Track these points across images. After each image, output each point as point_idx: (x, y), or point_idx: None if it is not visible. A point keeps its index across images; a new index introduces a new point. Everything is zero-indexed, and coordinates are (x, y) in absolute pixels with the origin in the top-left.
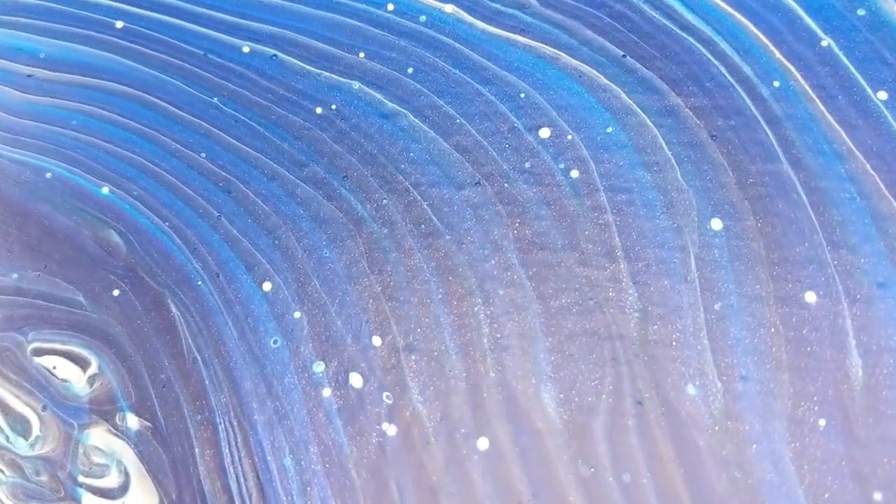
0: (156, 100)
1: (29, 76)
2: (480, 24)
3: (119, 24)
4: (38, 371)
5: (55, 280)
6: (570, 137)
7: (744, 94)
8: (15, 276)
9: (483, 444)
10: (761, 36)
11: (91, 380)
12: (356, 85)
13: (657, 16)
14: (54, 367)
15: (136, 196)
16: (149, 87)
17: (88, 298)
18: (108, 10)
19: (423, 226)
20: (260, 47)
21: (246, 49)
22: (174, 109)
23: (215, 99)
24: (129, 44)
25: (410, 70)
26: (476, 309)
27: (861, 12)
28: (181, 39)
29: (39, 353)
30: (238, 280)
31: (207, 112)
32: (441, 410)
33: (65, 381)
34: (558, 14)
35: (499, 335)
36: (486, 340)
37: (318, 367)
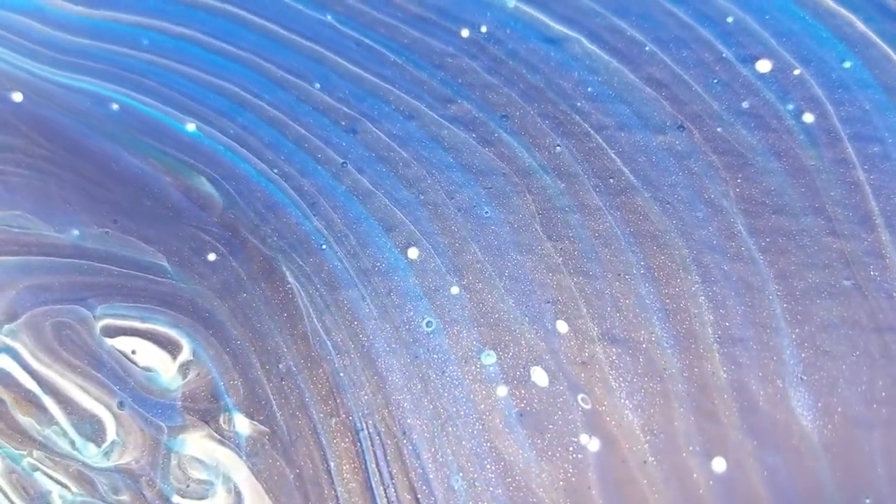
0: (250, 15)
1: None
2: None
3: None
4: (111, 356)
5: (128, 239)
6: (797, 73)
7: None
8: (75, 232)
9: (718, 465)
10: None
11: (183, 369)
12: (511, 2)
13: None
14: (133, 352)
15: (232, 135)
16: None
17: (174, 263)
18: None
19: (611, 179)
20: None
21: None
22: (276, 28)
23: (329, 16)
24: None
25: None
26: (694, 289)
27: None
28: None
29: (112, 332)
30: (374, 244)
31: (320, 32)
32: (658, 420)
33: (148, 369)
34: None
35: (727, 323)
36: (709, 330)
37: (489, 357)
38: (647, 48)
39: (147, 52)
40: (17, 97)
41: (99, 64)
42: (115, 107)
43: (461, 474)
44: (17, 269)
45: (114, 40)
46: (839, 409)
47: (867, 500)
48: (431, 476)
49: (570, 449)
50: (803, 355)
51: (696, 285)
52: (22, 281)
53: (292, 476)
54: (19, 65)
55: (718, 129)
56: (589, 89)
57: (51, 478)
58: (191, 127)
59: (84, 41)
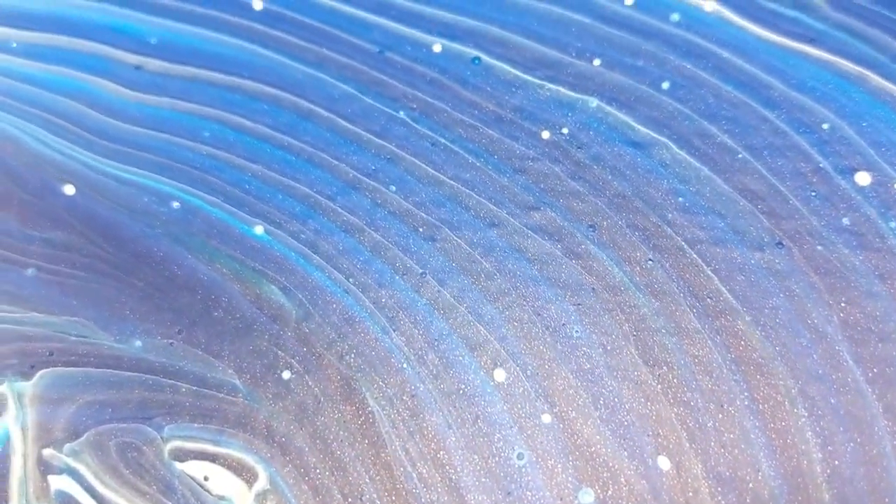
0: (317, 108)
1: (137, 68)
2: (753, 28)
3: (258, 5)
4: (181, 482)
5: (195, 352)
6: None
7: None
8: (138, 343)
9: None
10: None
11: (260, 499)
12: (593, 102)
13: None
14: (205, 478)
15: (304, 241)
16: (304, 89)
17: (246, 381)
18: None
19: (709, 299)
20: (456, 46)
21: (437, 48)
22: (345, 123)
23: (401, 112)
24: (271, 30)
25: (666, 84)
26: (800, 423)
27: None
28: (344, 29)
29: (182, 455)
30: (459, 364)
31: (392, 129)
32: None
33: (222, 498)
34: (855, 20)
35: (836, 462)
36: (818, 468)
37: (587, 496)
38: (739, 155)
39: (209, 145)
40: (70, 190)
41: (158, 157)
42: (175, 205)
43: None
44: (76, 382)
45: (173, 131)
46: None
47: None
48: None
49: None
50: None
51: (803, 419)
52: (82, 395)
53: None
54: (72, 154)
55: (819, 248)
56: (680, 199)
57: None
58: (259, 230)
59: (141, 130)
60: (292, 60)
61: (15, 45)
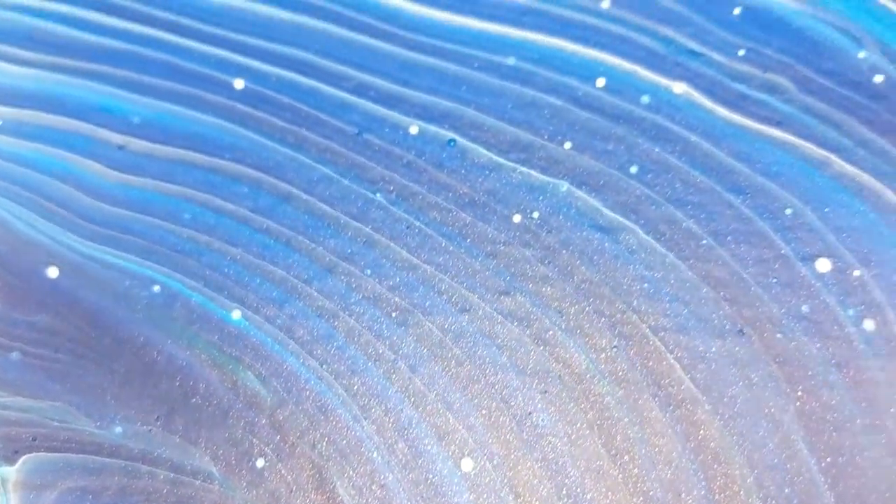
0: (296, 191)
1: (120, 147)
2: (721, 111)
3: (238, 84)
4: None
5: (173, 439)
6: (857, 273)
7: None
8: (118, 429)
9: None
10: None
11: None
12: (564, 186)
13: None
14: None
15: (280, 325)
16: (284, 171)
17: (222, 468)
18: (224, 63)
19: (671, 388)
20: (433, 128)
21: (414, 130)
22: (324, 206)
23: (378, 195)
24: (252, 110)
25: (634, 169)
26: None
27: None
28: (324, 110)
29: None
30: (427, 453)
31: (369, 212)
32: None
33: None
34: (822, 103)
35: None
36: None
37: None
38: (704, 241)
39: (190, 227)
40: (54, 273)
41: (140, 240)
42: (156, 289)
43: None
44: (57, 468)
45: (156, 213)
46: None
47: None
48: None
49: None
50: None
51: None
52: (63, 482)
53: None
54: (57, 237)
55: (778, 335)
56: (645, 285)
57: None
58: (236, 315)
59: (125, 213)
60: (273, 142)
61: (0, 122)
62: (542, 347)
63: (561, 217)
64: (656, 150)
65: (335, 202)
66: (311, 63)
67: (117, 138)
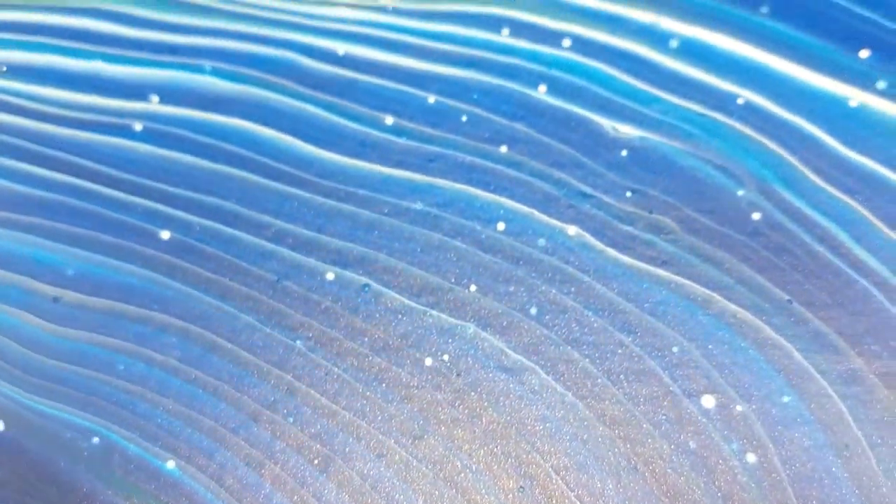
0: (221, 340)
1: (56, 300)
2: (611, 252)
3: (165, 235)
4: None
5: None
6: (739, 409)
7: None
8: None
9: None
10: None
11: None
12: (471, 329)
13: (822, 249)
14: None
15: (211, 475)
16: (209, 321)
17: None
18: (150, 214)
19: None
20: (348, 274)
21: (330, 276)
22: (247, 355)
23: (298, 342)
24: (178, 261)
25: (534, 310)
26: None
27: None
28: (245, 258)
29: None
30: None
31: (290, 359)
32: None
33: None
34: (704, 242)
35: None
36: None
37: None
38: (599, 380)
39: (124, 379)
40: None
41: (78, 391)
42: (95, 440)
43: None
44: None
45: (91, 365)
46: None
47: None
48: None
49: None
50: None
51: None
52: None
53: None
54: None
55: (669, 471)
56: (547, 425)
57: None
58: (171, 465)
59: (62, 365)
60: (198, 291)
61: None
62: (454, 490)
63: (469, 359)
64: (553, 291)
65: (258, 350)
66: (232, 212)
67: (52, 290)
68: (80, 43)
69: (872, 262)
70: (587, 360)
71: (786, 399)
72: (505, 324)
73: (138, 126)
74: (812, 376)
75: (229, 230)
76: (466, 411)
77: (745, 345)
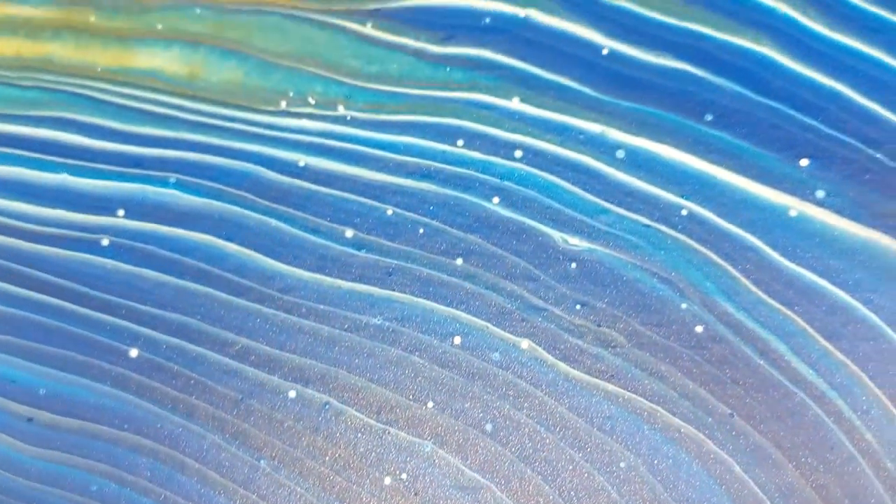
0: (189, 460)
1: (29, 420)
2: (562, 367)
3: (133, 353)
4: None
5: None
6: None
7: (871, 472)
8: None
9: None
10: (881, 395)
11: None
12: (428, 446)
13: (763, 363)
14: None
15: None
16: (177, 441)
17: None
18: (119, 331)
19: None
20: (310, 392)
21: (293, 394)
22: (214, 474)
23: (262, 462)
24: (146, 379)
25: (489, 426)
26: None
27: None
28: (210, 377)
29: None
30: None
31: (254, 479)
32: None
33: None
34: (650, 356)
35: None
36: None
37: None
38: (551, 497)
39: (96, 499)
40: None
41: None
42: None
43: None
44: None
45: (65, 486)
46: None
47: None
48: None
49: None
50: None
51: None
52: None
53: None
54: None
55: None
56: None
57: None
58: None
59: (36, 486)
60: (166, 411)
61: None
62: None
63: (426, 478)
64: (507, 407)
65: (224, 470)
66: (197, 329)
67: (25, 410)
68: (46, 155)
69: (810, 375)
70: (540, 476)
71: None
72: (461, 441)
73: (105, 241)
74: (752, 490)
75: (195, 348)
76: None
77: (689, 459)
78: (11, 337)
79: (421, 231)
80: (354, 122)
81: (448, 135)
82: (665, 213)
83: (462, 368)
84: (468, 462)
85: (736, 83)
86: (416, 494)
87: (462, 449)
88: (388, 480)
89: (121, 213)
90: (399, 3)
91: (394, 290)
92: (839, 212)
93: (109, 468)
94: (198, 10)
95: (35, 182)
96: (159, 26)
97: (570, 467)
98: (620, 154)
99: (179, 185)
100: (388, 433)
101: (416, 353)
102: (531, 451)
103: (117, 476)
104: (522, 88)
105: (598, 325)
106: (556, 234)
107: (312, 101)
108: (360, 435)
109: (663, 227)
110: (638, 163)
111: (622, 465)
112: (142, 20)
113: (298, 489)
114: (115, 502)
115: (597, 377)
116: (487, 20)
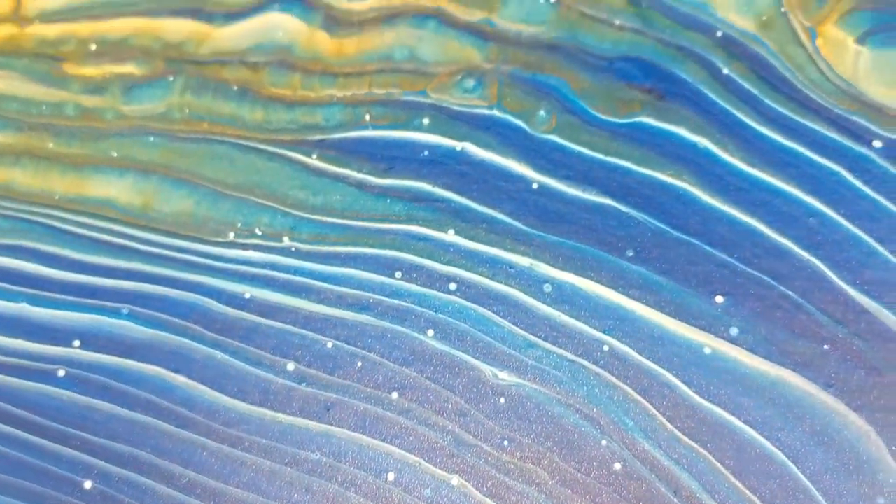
0: None
1: None
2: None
3: (87, 484)
4: None
5: None
6: None
7: None
8: None
9: None
10: None
11: None
12: None
13: (677, 501)
14: None
15: None
16: None
17: None
18: (73, 463)
19: None
20: None
21: None
22: None
23: None
24: None
25: None
26: None
27: None
28: None
29: None
30: None
31: None
32: None
33: None
34: (572, 493)
35: None
36: None
37: None
38: None
39: None
40: None
41: None
42: None
43: None
44: None
45: None
46: None
47: None
48: None
49: None
50: None
51: None
52: None
53: None
54: None
55: None
56: None
57: None
58: None
59: None
60: None
61: None
62: None
63: None
64: None
65: None
66: (147, 461)
67: None
68: (6, 283)
69: None
70: None
71: None
72: None
73: (62, 372)
74: None
75: (145, 480)
76: None
77: None
78: None
79: (359, 364)
80: (298, 254)
81: (387, 267)
82: (588, 349)
83: None
84: None
85: (656, 219)
86: None
87: None
88: None
89: (77, 343)
90: (343, 134)
91: (332, 424)
92: (751, 349)
93: None
94: (151, 138)
95: None
96: (114, 153)
97: None
98: (548, 288)
99: (132, 317)
100: None
101: (352, 489)
102: None
103: None
104: (457, 221)
105: (524, 462)
106: (487, 369)
107: (259, 232)
108: None
109: (586, 363)
110: (564, 297)
111: None
112: (97, 147)
113: None
114: None
115: None
116: (426, 153)
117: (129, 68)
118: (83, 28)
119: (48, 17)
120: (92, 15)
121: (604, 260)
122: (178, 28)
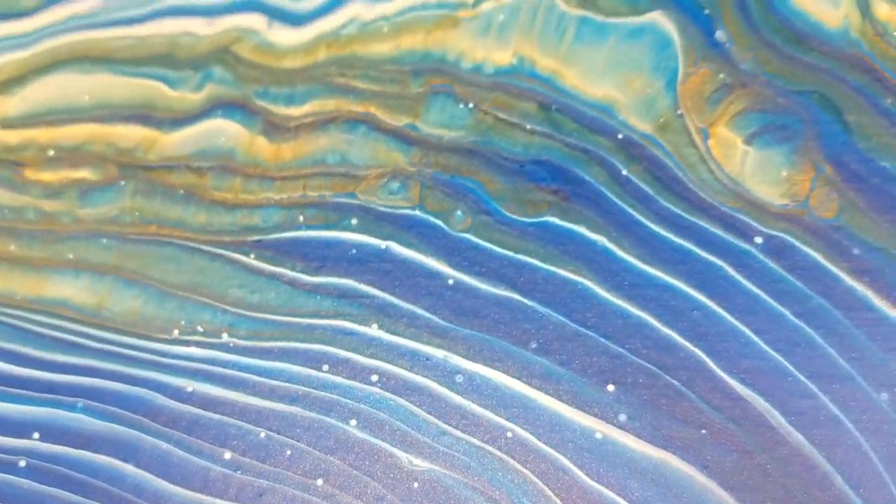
0: None
1: None
2: None
3: None
4: None
5: None
6: None
7: None
8: None
9: None
10: None
11: None
12: None
13: None
14: None
15: None
16: None
17: None
18: None
19: None
20: None
21: None
22: None
23: None
24: None
25: None
26: None
27: None
28: None
29: None
30: None
31: None
32: None
33: None
34: None
35: None
36: None
37: None
38: None
39: None
40: None
41: None
42: None
43: None
44: None
45: None
46: None
47: None
48: None
49: None
50: None
51: None
52: None
53: None
54: None
55: None
56: None
57: None
58: None
59: None
60: None
61: None
62: None
63: None
64: None
65: None
66: None
67: None
68: None
69: None
70: None
71: None
72: None
73: (22, 462)
74: None
75: None
76: None
77: None
78: None
79: (288, 453)
80: (236, 349)
81: (315, 360)
82: (494, 435)
83: None
84: None
85: (558, 313)
86: None
87: None
88: None
89: (36, 435)
90: (279, 234)
91: None
92: (637, 434)
93: None
94: (104, 241)
95: None
96: (70, 255)
97: None
98: (459, 378)
99: (86, 410)
100: None
101: None
102: None
103: None
104: (381, 316)
105: None
106: (403, 456)
107: (201, 329)
108: None
109: (492, 449)
110: (474, 387)
111: None
112: (55, 249)
113: None
114: None
115: None
116: (354, 251)
117: (84, 173)
118: (42, 134)
119: (9, 123)
120: (49, 121)
121: (510, 352)
122: (129, 134)
